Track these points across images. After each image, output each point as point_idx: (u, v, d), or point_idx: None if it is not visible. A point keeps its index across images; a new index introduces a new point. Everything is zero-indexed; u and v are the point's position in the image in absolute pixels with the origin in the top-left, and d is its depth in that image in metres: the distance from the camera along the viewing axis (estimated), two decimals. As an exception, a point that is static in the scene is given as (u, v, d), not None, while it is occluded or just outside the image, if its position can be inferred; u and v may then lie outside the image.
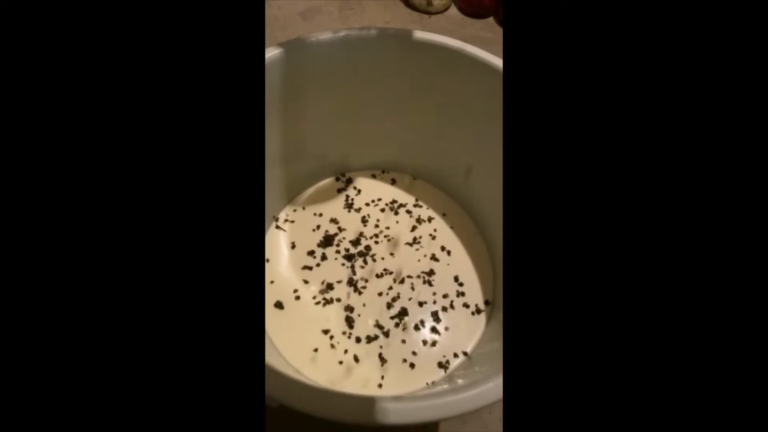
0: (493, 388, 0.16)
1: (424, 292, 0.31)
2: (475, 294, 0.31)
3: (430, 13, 0.50)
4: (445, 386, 0.26)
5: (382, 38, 0.27)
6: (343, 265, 0.32)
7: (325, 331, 0.29)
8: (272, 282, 0.31)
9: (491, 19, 0.50)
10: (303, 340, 0.29)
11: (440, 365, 0.28)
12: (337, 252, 0.32)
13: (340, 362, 0.28)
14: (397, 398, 0.16)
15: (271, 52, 0.25)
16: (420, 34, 0.26)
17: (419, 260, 0.32)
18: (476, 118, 0.28)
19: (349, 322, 0.29)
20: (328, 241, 0.32)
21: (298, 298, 0.30)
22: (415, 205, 0.35)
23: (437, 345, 0.29)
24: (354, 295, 0.30)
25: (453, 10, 0.50)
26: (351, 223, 0.33)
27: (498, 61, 0.25)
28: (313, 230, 0.33)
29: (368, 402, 0.16)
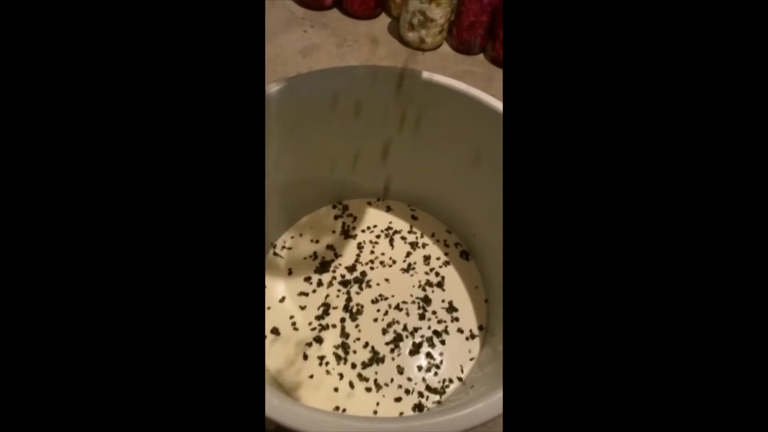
0: (491, 404, 0.17)
1: (418, 317, 0.31)
2: (469, 319, 0.31)
3: (423, 50, 0.52)
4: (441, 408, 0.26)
5: (379, 74, 0.28)
6: (339, 291, 0.32)
7: (321, 358, 0.29)
8: (269, 308, 0.31)
9: (481, 56, 0.52)
10: (298, 366, 0.29)
11: (435, 391, 0.28)
12: (333, 278, 0.33)
13: (336, 389, 0.28)
14: (398, 419, 0.16)
15: (275, 87, 0.26)
16: (413, 72, 0.28)
17: (414, 286, 0.33)
18: (467, 148, 0.30)
19: (345, 348, 0.30)
20: (324, 267, 0.33)
21: (294, 324, 0.30)
22: (409, 232, 0.36)
23: (432, 370, 0.29)
24: (349, 321, 0.31)
25: (445, 47, 0.53)
26: (347, 250, 0.34)
27: (484, 96, 0.27)
28: (310, 257, 0.34)
29: (368, 422, 0.16)
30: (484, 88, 0.27)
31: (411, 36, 0.51)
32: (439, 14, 0.48)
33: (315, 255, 0.34)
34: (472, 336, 0.31)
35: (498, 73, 0.51)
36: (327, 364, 0.29)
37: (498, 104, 0.26)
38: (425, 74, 0.28)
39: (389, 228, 0.36)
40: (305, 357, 0.29)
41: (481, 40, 0.50)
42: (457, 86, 0.27)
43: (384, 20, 0.55)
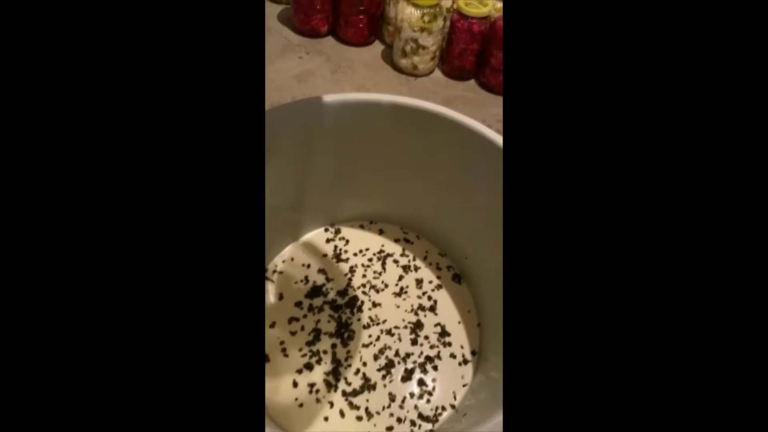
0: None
1: (410, 342, 0.31)
2: (461, 344, 0.31)
3: (416, 76, 0.53)
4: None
5: (373, 101, 0.29)
6: (330, 316, 0.32)
7: (311, 385, 0.29)
8: (259, 334, 0.31)
9: (472, 81, 0.53)
10: (288, 394, 0.28)
11: (428, 419, 0.28)
12: (325, 303, 0.32)
13: (326, 418, 0.27)
14: None
15: (270, 112, 0.26)
16: (407, 100, 0.28)
17: (406, 310, 0.32)
18: (457, 172, 0.30)
19: (335, 374, 0.29)
20: (315, 291, 0.33)
21: (284, 350, 0.30)
22: (402, 255, 0.36)
23: (424, 397, 0.29)
24: (340, 347, 0.30)
25: (437, 73, 0.54)
26: (339, 274, 0.34)
27: (475, 123, 0.27)
28: (301, 281, 0.33)
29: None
30: (475, 113, 0.28)
31: (404, 62, 0.52)
32: (431, 42, 0.50)
33: (306, 279, 0.33)
34: (465, 361, 0.30)
35: (489, 99, 0.52)
36: (317, 391, 0.28)
37: (487, 131, 0.27)
38: (418, 101, 0.28)
39: (381, 251, 0.36)
40: (295, 384, 0.29)
41: (470, 66, 0.52)
42: (448, 114, 0.28)
43: (377, 47, 0.57)
